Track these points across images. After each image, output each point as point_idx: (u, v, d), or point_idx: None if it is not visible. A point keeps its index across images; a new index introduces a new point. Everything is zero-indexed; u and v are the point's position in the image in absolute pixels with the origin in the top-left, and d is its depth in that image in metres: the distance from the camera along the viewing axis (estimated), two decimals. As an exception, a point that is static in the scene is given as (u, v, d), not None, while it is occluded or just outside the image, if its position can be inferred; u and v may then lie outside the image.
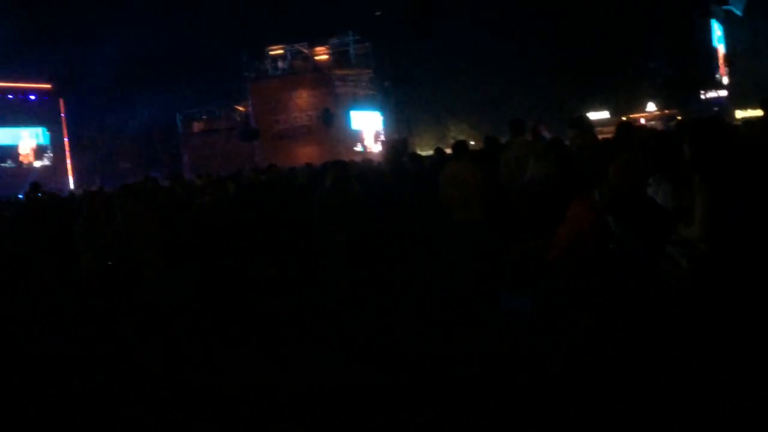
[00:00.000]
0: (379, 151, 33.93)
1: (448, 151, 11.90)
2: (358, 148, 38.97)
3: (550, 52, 39.82)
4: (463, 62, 40.84)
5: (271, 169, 15.10)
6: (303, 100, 40.25)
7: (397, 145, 21.67)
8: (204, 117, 42.61)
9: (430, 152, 17.22)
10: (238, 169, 20.82)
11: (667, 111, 36.30)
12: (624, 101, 39.12)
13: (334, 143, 36.91)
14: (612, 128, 6.53)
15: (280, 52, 41.04)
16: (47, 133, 40.44)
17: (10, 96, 38.32)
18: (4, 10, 36.39)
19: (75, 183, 39.52)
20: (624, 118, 27.51)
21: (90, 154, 42.41)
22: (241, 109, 41.70)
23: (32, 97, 39.43)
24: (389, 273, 9.14)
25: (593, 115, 29.62)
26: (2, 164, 38.10)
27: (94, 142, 42.69)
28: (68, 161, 41.29)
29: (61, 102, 40.91)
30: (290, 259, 10.58)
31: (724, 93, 41.32)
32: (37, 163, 39.74)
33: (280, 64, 41.20)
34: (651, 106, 39.56)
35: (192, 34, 40.29)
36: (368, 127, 41.54)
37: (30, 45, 36.05)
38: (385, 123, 42.12)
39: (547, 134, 12.13)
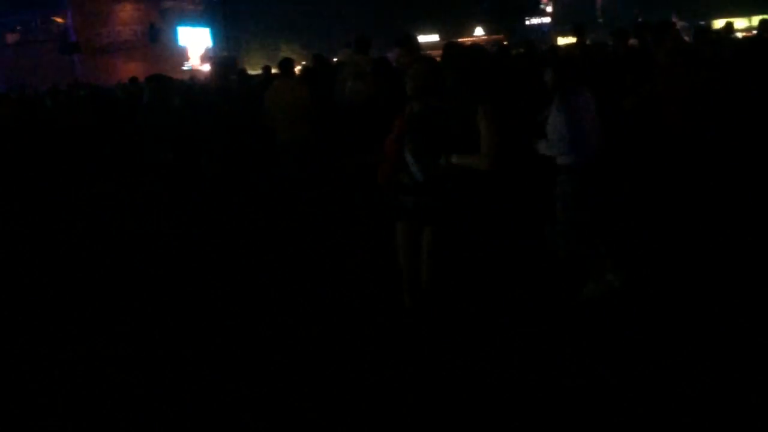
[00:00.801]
0: (207, 70, 33.11)
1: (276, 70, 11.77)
2: (186, 66, 37.88)
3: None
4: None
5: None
6: (127, 13, 38.62)
7: (225, 63, 21.24)
8: (18, 28, 39.99)
9: (259, 71, 16.98)
10: (54, 84, 19.75)
11: (494, 36, 37.14)
12: (453, 25, 39.71)
13: (159, 60, 35.69)
14: (440, 51, 6.61)
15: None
16: None
17: None
18: None
19: None
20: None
21: None
22: (59, 20, 39.42)
23: None
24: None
25: (423, 38, 29.88)
26: None
27: None
28: None
29: None
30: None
31: (547, 20, 42.73)
32: None
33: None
34: (479, 31, 40.36)
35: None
36: (196, 44, 40.42)
37: None
38: (214, 41, 41.08)
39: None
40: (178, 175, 8.12)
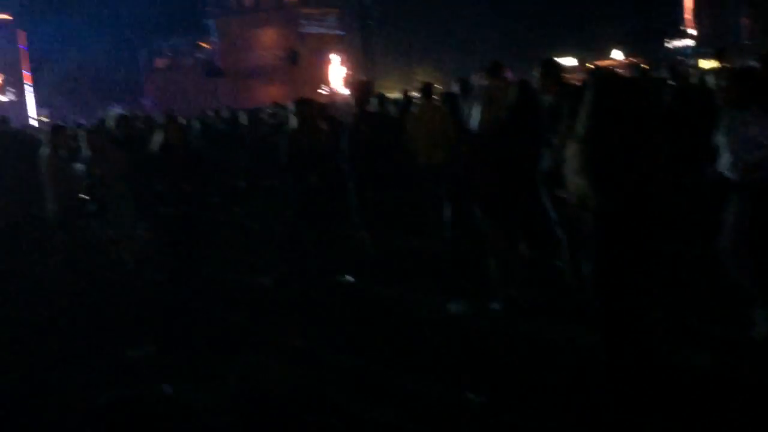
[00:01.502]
0: (345, 93, 33.78)
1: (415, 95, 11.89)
2: (324, 89, 38.74)
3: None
4: (430, 3, 40.54)
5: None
6: (269, 38, 39.90)
7: (363, 87, 21.55)
8: (168, 53, 41.98)
9: (397, 95, 17.18)
10: (202, 109, 20.58)
11: (633, 59, 36.40)
12: (590, 47, 39.15)
13: (299, 84, 36.61)
14: (579, 75, 6.45)
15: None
16: (6, 65, 39.52)
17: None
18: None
19: (36, 116, 38.86)
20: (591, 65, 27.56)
21: (52, 88, 41.62)
22: (205, 45, 41.14)
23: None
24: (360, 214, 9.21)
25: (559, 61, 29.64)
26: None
27: (56, 75, 41.87)
28: (29, 95, 40.47)
29: (21, 33, 39.94)
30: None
31: (689, 42, 41.51)
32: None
33: (246, 1, 40.65)
34: (616, 54, 39.64)
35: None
36: (334, 68, 41.28)
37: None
38: (352, 64, 41.84)
39: (510, 77, 12.10)
40: (324, 198, 8.30)
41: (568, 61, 35.54)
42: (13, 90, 39.61)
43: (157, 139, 7.91)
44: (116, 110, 37.13)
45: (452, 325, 6.34)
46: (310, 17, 40.33)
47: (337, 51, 41.67)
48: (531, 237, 6.81)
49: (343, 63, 41.80)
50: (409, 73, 40.91)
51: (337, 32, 41.60)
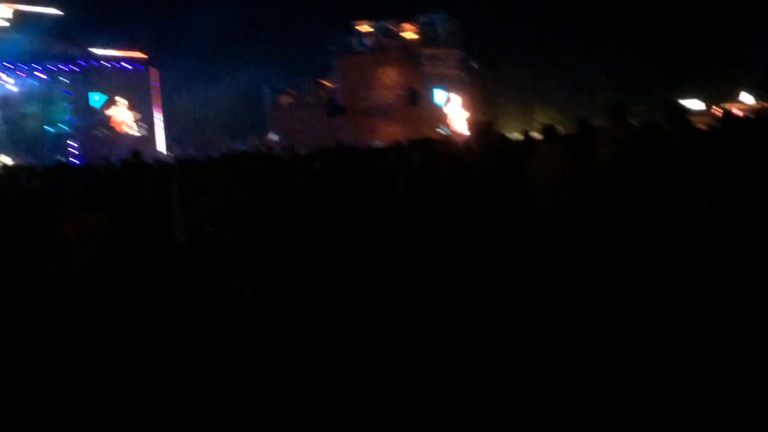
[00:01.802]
0: (465, 132, 33.78)
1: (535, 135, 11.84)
2: (443, 129, 38.88)
3: (640, 35, 39.04)
4: (551, 43, 40.31)
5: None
6: (389, 77, 40.38)
7: (484, 127, 21.54)
8: (291, 90, 43.06)
9: (516, 135, 17.12)
10: (322, 146, 20.92)
11: (764, 103, 35.10)
12: (716, 90, 38.00)
13: (419, 122, 36.88)
14: (706, 119, 6.25)
15: (368, 28, 41.18)
16: (140, 101, 41.26)
17: (107, 64, 39.22)
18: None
19: (165, 151, 40.32)
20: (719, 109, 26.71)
21: (180, 124, 43.21)
22: (327, 84, 42.01)
23: (127, 66, 40.27)
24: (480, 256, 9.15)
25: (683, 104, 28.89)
26: (96, 132, 39.03)
27: (184, 111, 43.45)
28: (159, 130, 42.12)
29: (154, 71, 41.70)
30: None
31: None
32: (130, 131, 40.63)
33: (367, 40, 41.34)
34: (745, 97, 38.34)
35: (281, 6, 40.70)
36: (454, 107, 41.45)
37: (126, 14, 36.95)
38: (471, 104, 41.92)
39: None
40: (443, 235, 8.34)
41: (694, 104, 34.63)
42: (145, 125, 41.26)
43: (285, 176, 8.12)
44: (241, 147, 38.35)
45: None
46: (432, 57, 40.67)
47: (458, 91, 41.84)
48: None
49: (463, 103, 41.93)
50: (529, 113, 40.66)
51: (458, 72, 41.78)
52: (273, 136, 40.32)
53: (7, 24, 33.50)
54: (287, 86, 43.43)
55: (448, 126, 39.75)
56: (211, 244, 8.54)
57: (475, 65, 42.46)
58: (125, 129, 40.58)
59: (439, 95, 40.79)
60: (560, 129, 11.16)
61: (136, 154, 13.77)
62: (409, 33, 41.10)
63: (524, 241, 9.99)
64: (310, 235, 9.57)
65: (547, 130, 10.05)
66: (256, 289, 8.25)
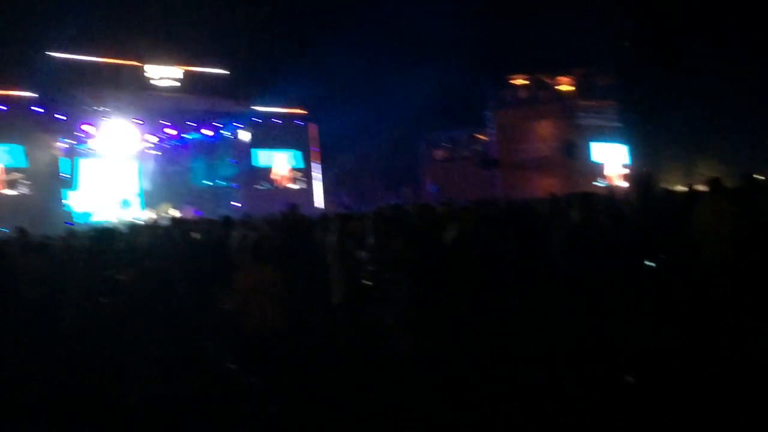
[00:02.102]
0: (624, 186, 33.12)
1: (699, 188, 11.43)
2: (600, 182, 38.17)
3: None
4: (713, 94, 38.96)
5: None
6: (544, 130, 40.08)
7: (644, 180, 21.04)
8: (446, 144, 43.41)
9: (679, 188, 16.61)
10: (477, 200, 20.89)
11: None
12: None
13: (575, 175, 36.37)
14: None
15: (523, 81, 41.12)
16: (300, 156, 42.60)
17: (269, 121, 40.72)
18: (266, 42, 39.12)
19: (323, 205, 41.36)
20: None
21: (337, 178, 44.24)
22: (482, 137, 42.10)
23: (288, 122, 41.68)
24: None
25: None
26: (259, 186, 40.47)
27: (341, 165, 44.47)
28: (317, 184, 43.28)
29: (313, 127, 43.01)
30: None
31: None
32: (290, 185, 41.93)
33: (522, 93, 41.25)
34: None
35: (436, 60, 41.22)
36: (611, 159, 40.66)
37: (287, 74, 38.25)
38: (630, 156, 40.99)
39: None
40: (602, 292, 8.11)
41: None
42: (305, 179, 42.51)
43: (450, 230, 8.10)
44: (396, 202, 38.91)
45: None
46: (589, 109, 40.14)
47: (616, 143, 41.04)
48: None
49: (621, 155, 41.07)
50: (691, 165, 39.33)
51: (616, 124, 41.00)
52: (432, 188, 40.71)
53: (177, 83, 35.38)
54: (442, 140, 43.80)
55: (605, 179, 39.00)
56: (369, 297, 8.62)
57: (634, 117, 41.53)
58: (286, 183, 41.91)
59: (596, 148, 40.12)
60: (725, 182, 10.74)
61: (293, 208, 14.16)
62: (565, 85, 40.72)
63: (688, 299, 9.59)
64: (468, 288, 9.48)
65: (713, 183, 9.68)
66: (414, 341, 8.25)
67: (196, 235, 13.25)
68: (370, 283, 8.57)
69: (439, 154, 43.71)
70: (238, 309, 7.47)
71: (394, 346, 8.28)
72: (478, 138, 42.80)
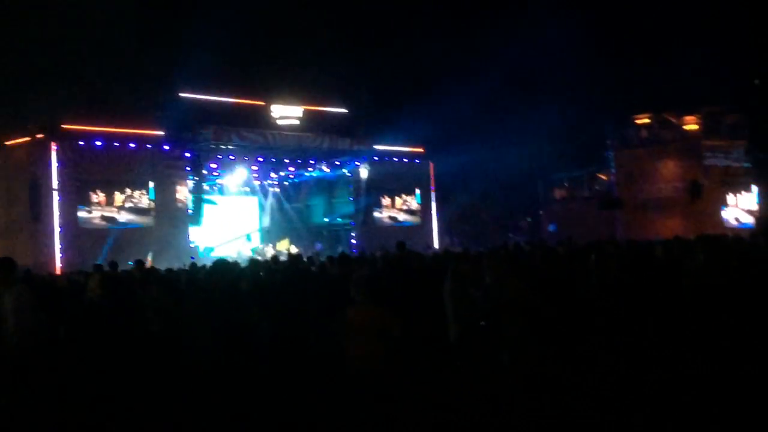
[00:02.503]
0: (752, 228, 31.88)
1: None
2: (728, 222, 36.88)
3: None
4: None
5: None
6: (668, 170, 39.09)
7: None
8: (565, 183, 42.80)
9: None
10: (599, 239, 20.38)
11: None
12: None
13: (701, 216, 35.24)
14: None
15: (647, 120, 40.25)
16: (417, 193, 42.70)
17: (388, 159, 41.03)
18: (386, 81, 39.77)
19: (438, 243, 41.31)
20: None
21: (453, 216, 44.16)
22: (603, 177, 41.32)
23: (406, 161, 41.91)
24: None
25: None
26: (376, 223, 40.69)
27: (457, 204, 44.39)
28: (434, 221, 43.28)
29: (431, 165, 43.15)
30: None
31: None
32: (407, 223, 42.04)
33: (645, 132, 40.37)
34: None
35: (557, 100, 40.89)
36: (740, 200, 39.25)
37: (406, 112, 38.60)
38: (760, 198, 39.47)
39: None
40: (733, 337, 7.72)
41: None
42: (421, 217, 42.59)
43: (559, 268, 7.90)
44: (517, 239, 38.58)
45: None
46: (715, 149, 38.92)
47: (744, 184, 39.60)
48: None
49: (750, 196, 39.60)
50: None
51: (744, 164, 39.60)
52: (551, 227, 40.20)
53: (298, 122, 36.08)
54: (561, 179, 43.22)
55: (735, 220, 37.68)
56: (484, 338, 8.45)
57: (763, 156, 40.02)
58: (402, 220, 42.08)
59: (724, 189, 38.80)
60: None
61: (401, 245, 14.12)
62: (690, 124, 39.61)
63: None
64: (585, 329, 9.20)
65: None
66: (528, 382, 8.03)
67: (313, 270, 13.34)
68: (484, 323, 8.40)
69: (559, 193, 43.10)
70: (350, 345, 7.43)
71: (509, 387, 8.07)
72: (600, 178, 42.03)
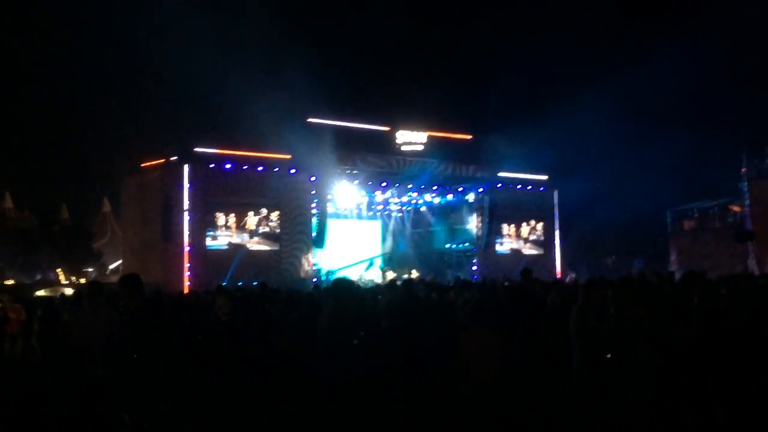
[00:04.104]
0: None
1: None
2: None
3: None
4: None
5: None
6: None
7: None
8: (695, 215, 41.41)
9: None
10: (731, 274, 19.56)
11: None
12: None
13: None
14: None
15: (784, 150, 38.60)
16: (541, 221, 42.20)
17: (512, 186, 40.75)
18: (510, 108, 39.66)
19: (561, 271, 40.67)
20: None
21: (576, 244, 43.38)
22: (735, 209, 39.75)
23: (529, 188, 41.52)
24: None
25: None
26: (497, 250, 40.42)
27: (581, 232, 43.61)
28: (557, 250, 42.67)
29: (555, 193, 42.61)
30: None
31: None
32: (529, 251, 41.60)
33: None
34: None
35: (688, 129, 39.88)
36: None
37: (530, 140, 38.31)
38: None
39: None
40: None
41: None
42: (544, 245, 42.11)
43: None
44: (640, 263, 37.59)
45: None
46: None
47: None
48: None
49: None
50: None
51: None
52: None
53: (421, 147, 36.26)
54: (692, 211, 41.83)
55: None
56: (605, 369, 8.24)
57: None
58: (525, 248, 41.66)
59: None
60: None
61: (526, 273, 13.92)
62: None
63: None
64: (716, 361, 8.81)
65: None
66: (650, 414, 7.77)
67: (432, 296, 13.31)
68: (609, 356, 8.18)
69: (688, 225, 41.71)
70: (463, 370, 7.37)
71: (634, 418, 7.81)
72: (733, 210, 40.45)
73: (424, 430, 8.73)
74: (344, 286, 8.67)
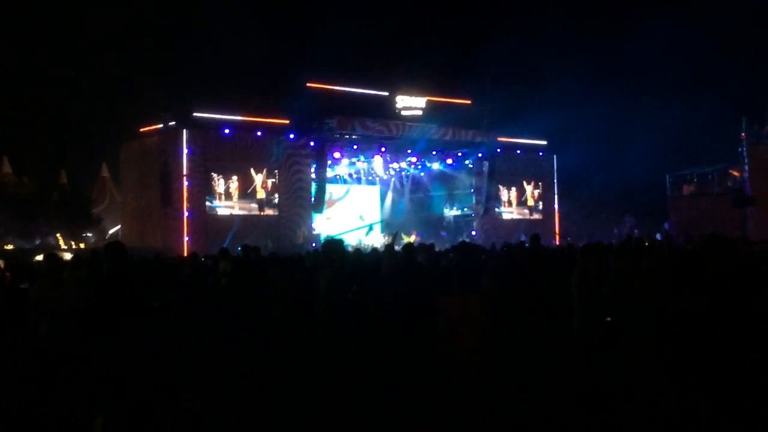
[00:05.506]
0: None
1: None
2: None
3: None
4: None
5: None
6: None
7: None
8: (695, 180, 41.31)
9: None
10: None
11: None
12: None
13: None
14: None
15: (784, 115, 38.43)
16: (539, 186, 42.27)
17: (510, 151, 40.76)
18: (509, 72, 39.47)
19: (558, 237, 40.77)
20: None
21: (573, 210, 43.36)
22: (735, 173, 39.64)
23: (529, 153, 41.58)
24: None
25: None
26: (496, 214, 40.50)
27: (579, 198, 43.56)
28: (556, 215, 42.75)
29: (554, 158, 42.59)
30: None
31: None
32: (527, 216, 41.71)
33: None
34: None
35: (688, 94, 39.67)
36: None
37: (529, 104, 38.13)
38: None
39: None
40: None
41: None
42: (542, 210, 42.25)
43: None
44: (631, 220, 37.62)
45: None
46: None
47: None
48: None
49: None
50: None
51: None
52: (666, 225, 38.98)
53: (420, 112, 36.14)
54: (691, 176, 41.70)
55: None
56: (607, 332, 8.27)
57: None
58: (522, 213, 41.74)
59: None
60: None
61: (535, 237, 13.96)
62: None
63: None
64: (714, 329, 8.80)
65: None
66: (652, 379, 7.79)
67: (421, 258, 13.25)
68: (609, 320, 8.20)
69: (688, 189, 41.59)
70: (448, 334, 7.44)
71: (634, 384, 7.83)
72: (733, 174, 40.32)
73: (407, 389, 8.72)
74: (334, 245, 8.69)
